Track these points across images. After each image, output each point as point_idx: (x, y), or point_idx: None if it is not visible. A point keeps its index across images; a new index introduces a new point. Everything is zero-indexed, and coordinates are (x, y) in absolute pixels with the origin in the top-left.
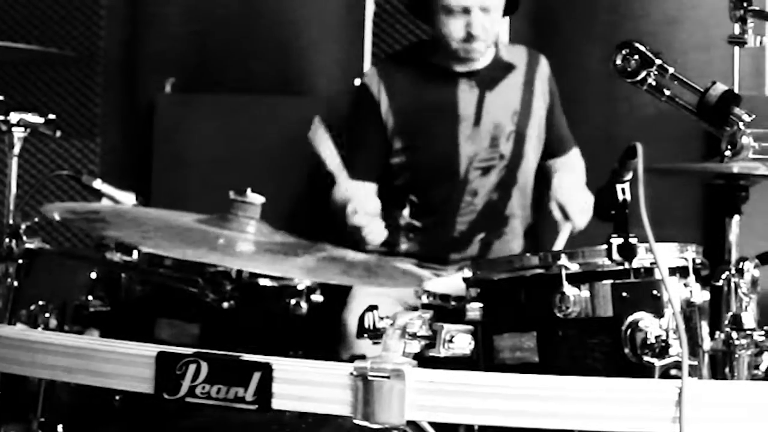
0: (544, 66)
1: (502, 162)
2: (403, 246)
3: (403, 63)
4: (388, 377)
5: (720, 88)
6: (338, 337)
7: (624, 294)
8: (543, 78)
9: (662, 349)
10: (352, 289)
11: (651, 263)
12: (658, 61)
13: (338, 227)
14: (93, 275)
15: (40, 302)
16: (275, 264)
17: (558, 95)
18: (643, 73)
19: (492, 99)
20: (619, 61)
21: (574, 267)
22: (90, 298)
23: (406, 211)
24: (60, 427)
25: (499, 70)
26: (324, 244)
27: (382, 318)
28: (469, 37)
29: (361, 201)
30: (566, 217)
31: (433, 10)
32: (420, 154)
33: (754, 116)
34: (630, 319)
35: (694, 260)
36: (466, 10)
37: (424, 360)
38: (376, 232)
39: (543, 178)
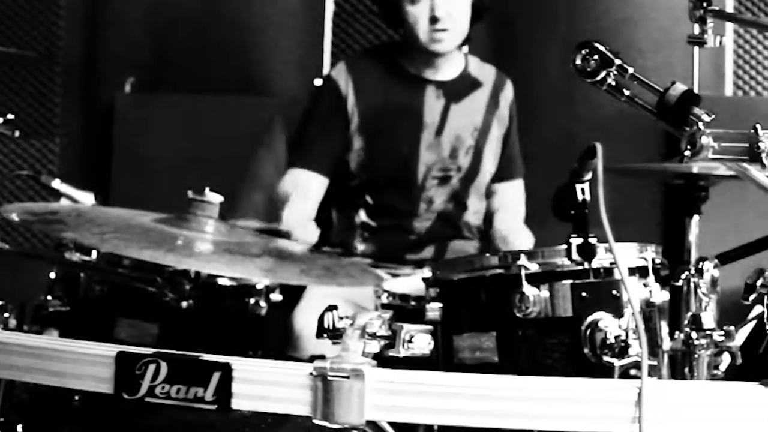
0: (508, 90)
1: (459, 174)
2: (359, 246)
3: (372, 62)
4: (347, 377)
5: (680, 88)
6: (286, 338)
7: (583, 294)
8: (506, 101)
9: (622, 349)
10: (305, 290)
11: (610, 263)
12: (617, 62)
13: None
14: (52, 275)
15: None
16: (234, 264)
17: (516, 120)
18: (603, 74)
19: (456, 111)
20: (578, 62)
21: (534, 267)
22: (49, 297)
23: (362, 211)
24: (20, 427)
25: (466, 84)
26: (281, 240)
27: (341, 318)
28: (433, 21)
29: (298, 205)
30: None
31: (398, 5)
32: (379, 155)
33: (713, 116)
34: (589, 319)
35: (653, 260)
36: None
37: (383, 360)
38: (306, 237)
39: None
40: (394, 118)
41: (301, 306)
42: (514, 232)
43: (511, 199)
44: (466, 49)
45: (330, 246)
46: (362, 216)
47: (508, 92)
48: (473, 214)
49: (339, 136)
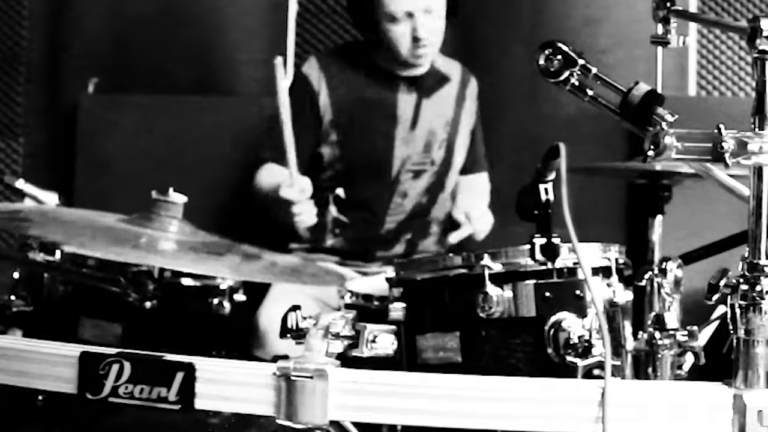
0: (473, 85)
1: (432, 168)
2: (329, 241)
3: (344, 57)
4: (311, 377)
5: (643, 88)
6: (251, 335)
7: (547, 294)
8: (472, 96)
9: (585, 349)
10: (269, 289)
11: (574, 263)
12: (581, 61)
13: (266, 209)
14: (15, 275)
15: None
16: (198, 263)
17: (479, 117)
18: (566, 73)
19: (428, 106)
20: (542, 62)
21: (497, 267)
22: (12, 297)
23: (332, 207)
24: None
25: (436, 79)
26: (245, 245)
27: (305, 318)
28: (415, 41)
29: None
30: (469, 220)
31: (376, 20)
32: (354, 149)
33: (677, 116)
34: (553, 319)
35: (617, 260)
36: (410, 15)
37: (347, 360)
38: (307, 211)
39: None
40: (369, 112)
41: (266, 304)
42: (474, 204)
43: (476, 187)
44: None
45: (299, 242)
46: (333, 211)
47: (473, 87)
48: (443, 209)
49: (312, 131)
